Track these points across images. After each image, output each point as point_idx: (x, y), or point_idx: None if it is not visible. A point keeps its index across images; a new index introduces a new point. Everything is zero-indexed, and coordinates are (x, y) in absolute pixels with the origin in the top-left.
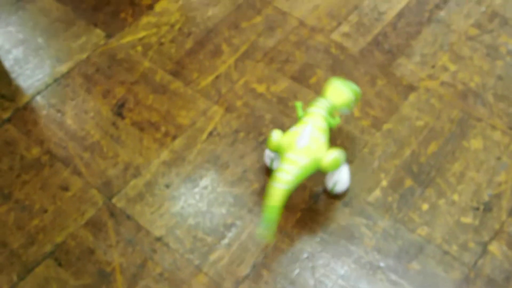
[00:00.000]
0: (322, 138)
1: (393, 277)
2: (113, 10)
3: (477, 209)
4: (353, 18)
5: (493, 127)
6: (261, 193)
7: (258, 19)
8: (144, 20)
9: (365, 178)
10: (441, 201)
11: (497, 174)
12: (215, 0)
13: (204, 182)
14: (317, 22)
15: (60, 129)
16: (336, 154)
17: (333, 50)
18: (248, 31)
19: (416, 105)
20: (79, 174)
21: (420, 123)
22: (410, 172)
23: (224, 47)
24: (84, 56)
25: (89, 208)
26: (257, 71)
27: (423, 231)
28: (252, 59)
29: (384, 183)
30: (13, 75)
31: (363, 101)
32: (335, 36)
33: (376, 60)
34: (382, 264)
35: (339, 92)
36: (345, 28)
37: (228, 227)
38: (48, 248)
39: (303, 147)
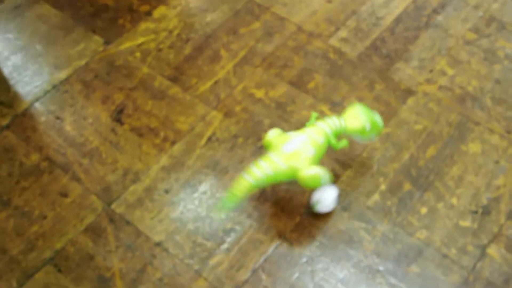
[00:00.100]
0: (311, 151)
1: (393, 280)
2: (111, 16)
3: (476, 212)
4: (351, 23)
5: (491, 131)
6: (261, 198)
7: (257, 24)
8: (143, 26)
9: (364, 182)
10: (440, 205)
11: (495, 178)
12: (214, 6)
13: (204, 187)
14: (315, 27)
15: (59, 136)
16: (316, 171)
17: (331, 55)
18: (247, 36)
19: (414, 109)
20: (78, 180)
21: (418, 127)
22: (408, 176)
23: (223, 52)
24: (82, 62)
25: (89, 214)
26: (255, 77)
27: (422, 234)
28: (251, 65)
29: (383, 187)
30: (11, 82)
31: None
32: (333, 41)
33: (374, 65)
34: (381, 268)
35: (356, 117)
36: (343, 33)
37: (228, 232)
38: (47, 254)
39: (287, 152)
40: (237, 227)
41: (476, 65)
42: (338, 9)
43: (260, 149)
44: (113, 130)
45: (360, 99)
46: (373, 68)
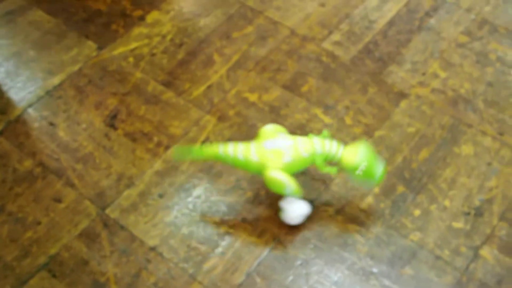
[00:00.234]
0: (288, 158)
1: (387, 282)
2: (104, 21)
3: (469, 214)
4: (344, 26)
5: (484, 133)
6: (255, 201)
7: (250, 29)
8: (136, 31)
9: (357, 185)
10: (433, 207)
11: (488, 180)
12: (207, 10)
13: (198, 191)
14: (308, 31)
15: (52, 141)
16: (281, 178)
17: (324, 58)
18: (240, 41)
19: (407, 112)
20: (72, 185)
21: (411, 129)
22: (402, 179)
23: (216, 57)
24: (76, 68)
25: (83, 219)
26: (249, 81)
27: (415, 236)
28: (244, 69)
29: (376, 189)
30: (4, 88)
31: (355, 109)
32: (326, 45)
33: (367, 68)
34: (375, 270)
35: (355, 154)
36: (336, 36)
37: (222, 235)
38: (42, 260)
39: (265, 147)
40: (232, 231)
41: (469, 68)
42: (331, 13)
43: None
44: (106, 135)
45: (353, 103)
46: (366, 71)
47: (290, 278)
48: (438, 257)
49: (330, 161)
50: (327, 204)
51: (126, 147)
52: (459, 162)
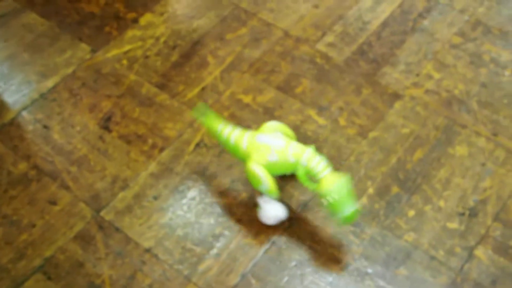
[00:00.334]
0: (274, 157)
1: (381, 283)
2: (98, 24)
3: (463, 214)
4: (338, 28)
5: (478, 134)
6: (249, 202)
7: (243, 30)
8: (129, 33)
9: (351, 186)
10: (427, 207)
11: (482, 180)
12: (200, 13)
13: (192, 193)
14: (302, 32)
15: (46, 144)
16: (260, 173)
17: (318, 60)
18: (234, 42)
19: (401, 113)
20: (66, 188)
21: (405, 130)
22: (396, 179)
23: (210, 59)
24: (69, 70)
25: (78, 221)
26: (243, 82)
27: (410, 237)
28: (238, 70)
29: (371, 190)
30: None
31: (349, 110)
32: (320, 46)
33: (361, 69)
34: (370, 271)
35: (332, 183)
36: (329, 38)
37: (217, 237)
38: (37, 262)
39: (256, 140)
40: (226, 232)
41: (462, 69)
42: (324, 14)
43: None
44: (101, 137)
45: (347, 104)
46: (360, 72)
47: (285, 279)
48: (432, 258)
49: (312, 178)
50: (321, 205)
51: (120, 150)
52: (453, 163)
